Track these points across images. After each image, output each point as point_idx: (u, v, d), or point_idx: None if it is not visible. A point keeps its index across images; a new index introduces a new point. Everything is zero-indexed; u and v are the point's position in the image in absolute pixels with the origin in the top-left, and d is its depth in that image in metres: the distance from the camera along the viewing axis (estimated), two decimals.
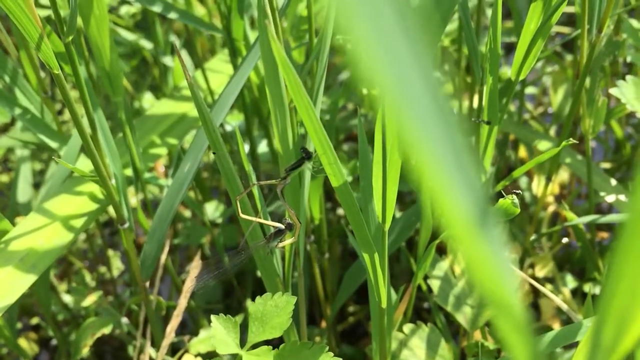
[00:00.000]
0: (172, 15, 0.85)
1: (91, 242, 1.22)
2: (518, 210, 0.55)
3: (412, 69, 0.20)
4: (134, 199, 1.19)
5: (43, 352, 1.17)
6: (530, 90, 1.38)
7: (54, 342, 1.18)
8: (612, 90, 0.80)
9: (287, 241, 0.60)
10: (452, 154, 0.19)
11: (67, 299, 1.17)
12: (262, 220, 0.59)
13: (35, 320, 1.21)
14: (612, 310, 0.25)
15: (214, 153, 0.55)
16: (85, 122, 0.71)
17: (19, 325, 1.19)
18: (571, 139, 0.65)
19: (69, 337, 1.05)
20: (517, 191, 0.55)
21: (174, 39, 1.26)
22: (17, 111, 0.77)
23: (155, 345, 0.83)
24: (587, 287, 1.02)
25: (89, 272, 1.20)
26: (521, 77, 0.67)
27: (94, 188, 0.80)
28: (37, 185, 1.26)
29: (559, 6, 0.61)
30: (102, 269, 1.28)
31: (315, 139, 0.45)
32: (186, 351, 0.80)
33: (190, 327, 1.11)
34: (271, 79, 0.60)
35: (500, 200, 0.56)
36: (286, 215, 0.60)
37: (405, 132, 0.19)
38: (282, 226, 0.59)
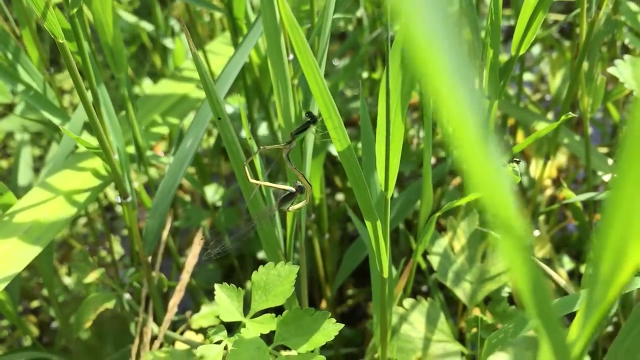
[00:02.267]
0: None
1: (92, 226, 1.22)
2: (519, 179, 0.56)
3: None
4: (136, 183, 1.20)
5: (43, 336, 1.18)
6: (528, 77, 1.39)
7: (54, 325, 1.19)
8: (610, 69, 0.81)
9: (299, 204, 0.60)
10: (457, 67, 0.20)
11: (68, 281, 1.17)
12: (272, 184, 0.60)
13: (35, 304, 1.21)
14: (608, 242, 0.25)
15: (218, 119, 0.55)
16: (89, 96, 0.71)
17: (19, 308, 1.19)
18: (570, 113, 0.66)
19: (69, 319, 1.06)
20: (517, 159, 0.55)
21: (174, 22, 1.26)
22: (20, 88, 0.77)
23: (157, 321, 0.83)
24: (584, 268, 1.03)
25: (90, 256, 1.21)
26: (521, 52, 0.67)
27: (96, 164, 0.80)
28: (36, 171, 1.26)
29: None
30: (102, 252, 1.29)
31: (320, 101, 0.46)
32: (188, 327, 0.81)
33: (190, 308, 1.11)
34: (274, 50, 0.60)
35: None
36: (288, 182, 0.60)
37: (416, 45, 0.20)
38: (292, 189, 0.59)
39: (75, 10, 0.61)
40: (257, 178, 0.62)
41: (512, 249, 0.24)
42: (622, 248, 0.27)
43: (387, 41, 0.46)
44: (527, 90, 1.33)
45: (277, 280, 0.59)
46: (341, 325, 0.58)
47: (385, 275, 0.62)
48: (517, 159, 0.56)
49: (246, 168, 0.58)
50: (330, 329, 0.58)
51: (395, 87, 0.49)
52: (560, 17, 1.41)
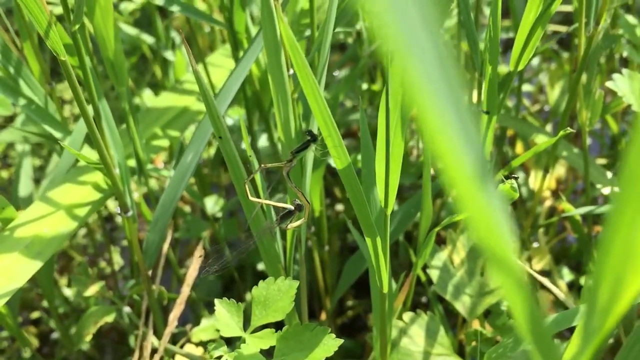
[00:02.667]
0: (174, 8, 0.86)
1: (92, 237, 1.23)
2: (517, 195, 0.56)
3: (420, 28, 0.21)
4: (136, 194, 1.20)
5: (43, 347, 1.18)
6: (526, 87, 1.39)
7: (54, 336, 1.19)
8: (608, 83, 0.81)
9: (297, 222, 0.60)
10: (453, 107, 0.20)
11: (68, 292, 1.17)
12: (271, 202, 0.60)
13: (35, 315, 1.21)
14: (606, 272, 0.25)
15: (219, 137, 0.55)
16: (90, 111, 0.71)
17: (19, 319, 1.19)
18: (569, 128, 0.66)
19: (69, 330, 1.06)
20: (515, 175, 0.56)
21: (174, 34, 1.27)
22: (22, 102, 0.78)
23: (157, 334, 0.83)
24: (584, 280, 1.03)
25: (89, 267, 1.21)
26: (520, 67, 0.68)
27: (97, 178, 0.81)
28: (36, 182, 1.27)
29: None
30: (102, 263, 1.29)
31: (320, 120, 0.46)
32: (188, 340, 0.81)
33: (190, 321, 1.11)
34: (274, 65, 0.61)
35: (500, 185, 0.57)
36: (288, 199, 0.61)
37: (411, 88, 0.20)
38: (291, 207, 0.59)
39: (77, 26, 0.62)
40: (258, 194, 0.62)
41: (505, 278, 0.25)
42: (620, 278, 0.27)
43: (386, 57, 0.47)
44: (526, 102, 1.34)
45: (277, 295, 0.60)
46: (341, 341, 0.58)
47: (385, 290, 0.62)
48: (516, 175, 0.57)
49: (247, 185, 0.59)
50: (330, 344, 0.58)
51: (395, 104, 0.49)
52: (559, 28, 1.41)
